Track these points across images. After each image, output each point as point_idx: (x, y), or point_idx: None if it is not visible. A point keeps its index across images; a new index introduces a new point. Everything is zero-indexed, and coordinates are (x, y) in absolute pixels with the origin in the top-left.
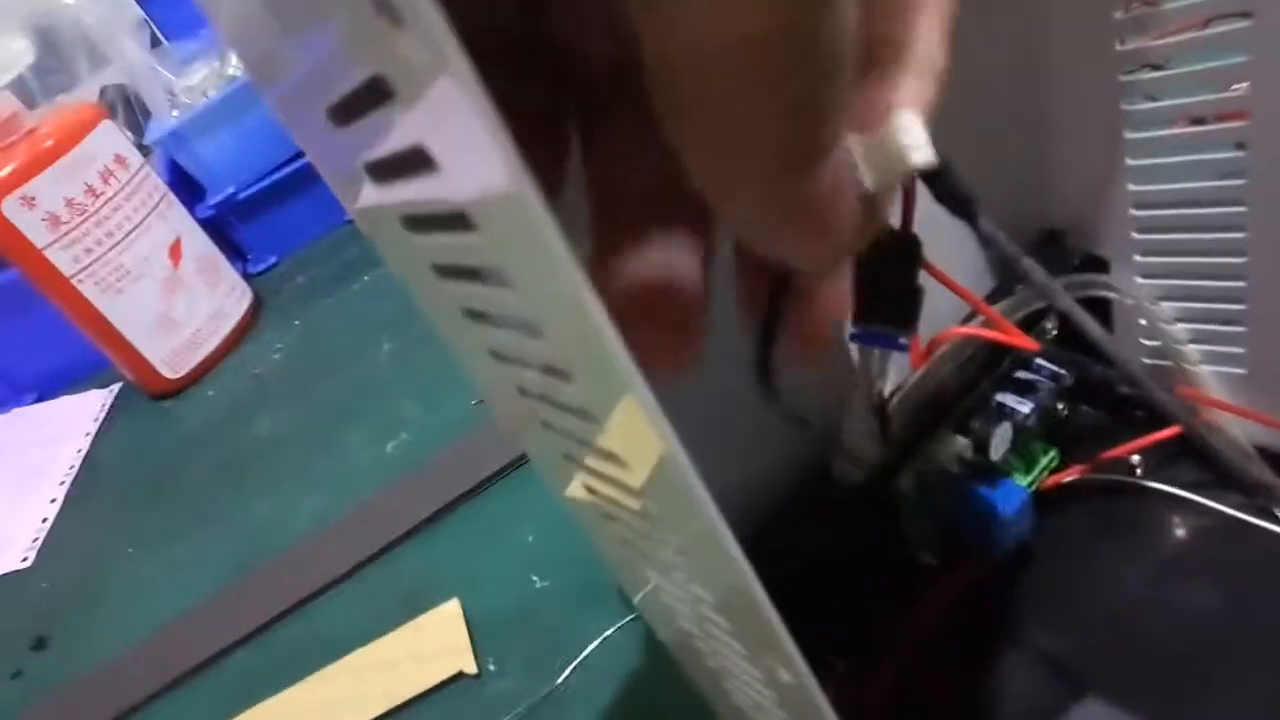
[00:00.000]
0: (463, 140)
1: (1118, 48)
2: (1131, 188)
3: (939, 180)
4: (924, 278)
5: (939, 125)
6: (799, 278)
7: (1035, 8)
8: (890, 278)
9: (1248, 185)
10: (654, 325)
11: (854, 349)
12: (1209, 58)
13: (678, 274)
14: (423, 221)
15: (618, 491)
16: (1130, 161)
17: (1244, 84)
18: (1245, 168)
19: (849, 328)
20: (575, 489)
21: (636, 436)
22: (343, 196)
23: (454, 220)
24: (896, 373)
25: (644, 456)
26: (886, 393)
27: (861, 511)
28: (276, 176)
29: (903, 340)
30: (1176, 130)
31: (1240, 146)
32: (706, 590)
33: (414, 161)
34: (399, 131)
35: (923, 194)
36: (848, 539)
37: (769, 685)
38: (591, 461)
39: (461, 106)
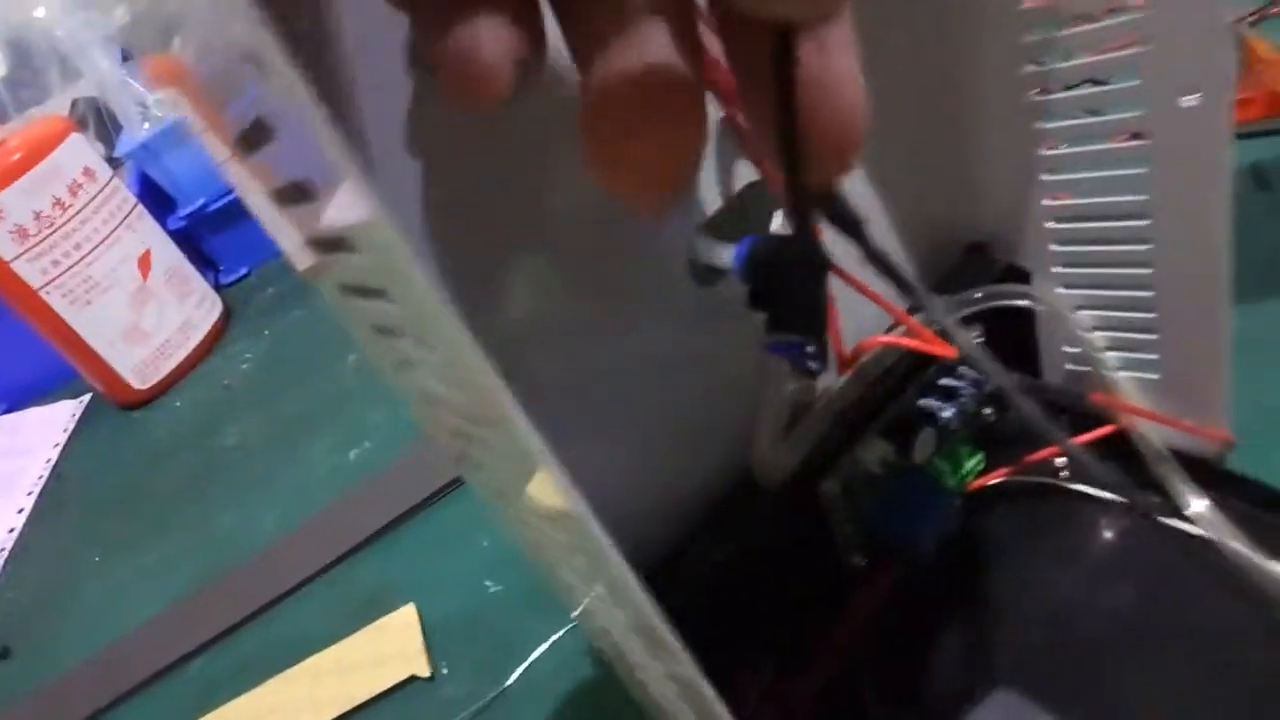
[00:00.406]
0: (328, 174)
1: (1027, 69)
2: (1046, 203)
3: (830, 202)
4: (846, 289)
5: (871, 143)
6: (803, 40)
7: (954, 31)
8: (797, 291)
9: (1151, 201)
10: (654, 121)
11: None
12: (1113, 79)
13: (669, 59)
14: (322, 244)
15: (526, 514)
16: (1045, 177)
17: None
18: (1148, 184)
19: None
20: (493, 500)
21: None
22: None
23: (338, 243)
24: (824, 378)
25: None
26: (815, 397)
27: (788, 515)
28: None
29: (810, 350)
30: (1085, 148)
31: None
32: (604, 588)
33: (299, 193)
34: (283, 166)
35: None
36: (775, 541)
37: (670, 679)
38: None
39: (323, 147)
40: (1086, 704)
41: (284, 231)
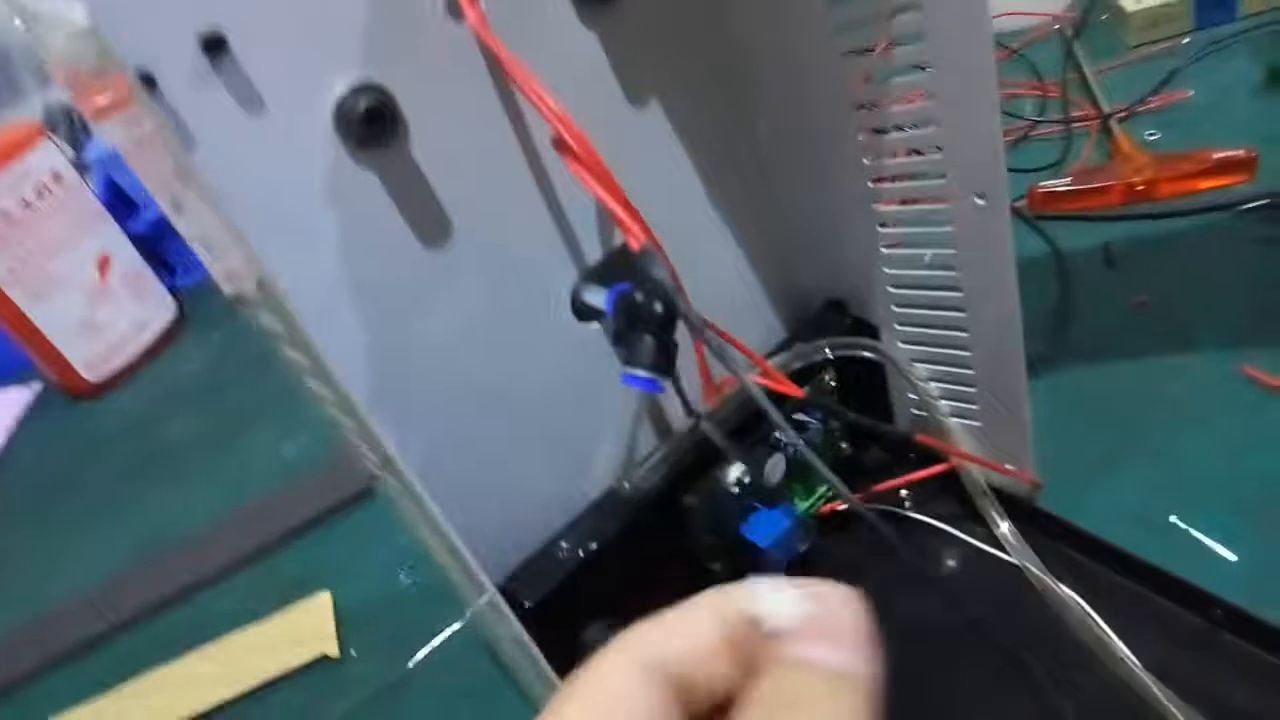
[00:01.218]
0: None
1: (865, 162)
2: (887, 270)
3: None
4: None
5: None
6: None
7: (813, 128)
8: (653, 334)
9: (959, 275)
10: None
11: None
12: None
13: None
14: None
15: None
16: (884, 250)
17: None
18: (957, 261)
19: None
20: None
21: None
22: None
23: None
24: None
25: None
26: (682, 422)
27: (649, 521)
28: None
29: (660, 383)
30: (910, 230)
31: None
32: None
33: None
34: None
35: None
36: (636, 544)
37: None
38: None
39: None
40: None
41: (212, 266)
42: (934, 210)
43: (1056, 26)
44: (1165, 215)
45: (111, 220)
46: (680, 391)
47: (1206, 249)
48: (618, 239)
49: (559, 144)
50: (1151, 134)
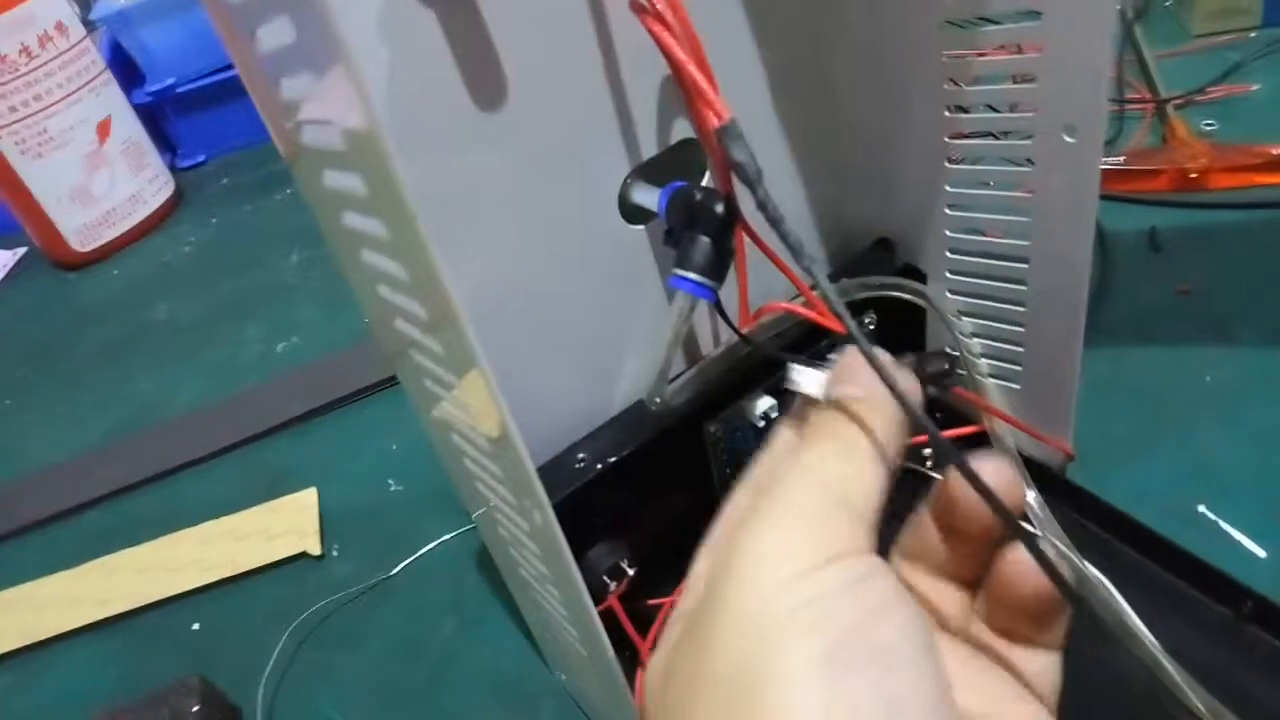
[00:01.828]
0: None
1: (945, 87)
2: (947, 212)
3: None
4: (756, 253)
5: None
6: None
7: (889, 53)
8: (709, 236)
9: (1030, 223)
10: None
11: (679, 296)
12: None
13: None
14: (320, 156)
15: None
16: (949, 189)
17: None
18: (1031, 210)
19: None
20: (429, 410)
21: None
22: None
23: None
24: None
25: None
26: (714, 346)
27: (672, 445)
28: (219, 77)
29: (713, 290)
30: (983, 166)
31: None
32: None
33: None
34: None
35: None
36: (656, 462)
37: (526, 521)
38: (444, 396)
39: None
40: None
41: (275, 108)
42: (1014, 146)
43: (1118, 7)
44: (1215, 206)
45: (115, 84)
46: (722, 313)
47: (1255, 244)
48: (676, 135)
49: (637, 4)
50: (1209, 124)
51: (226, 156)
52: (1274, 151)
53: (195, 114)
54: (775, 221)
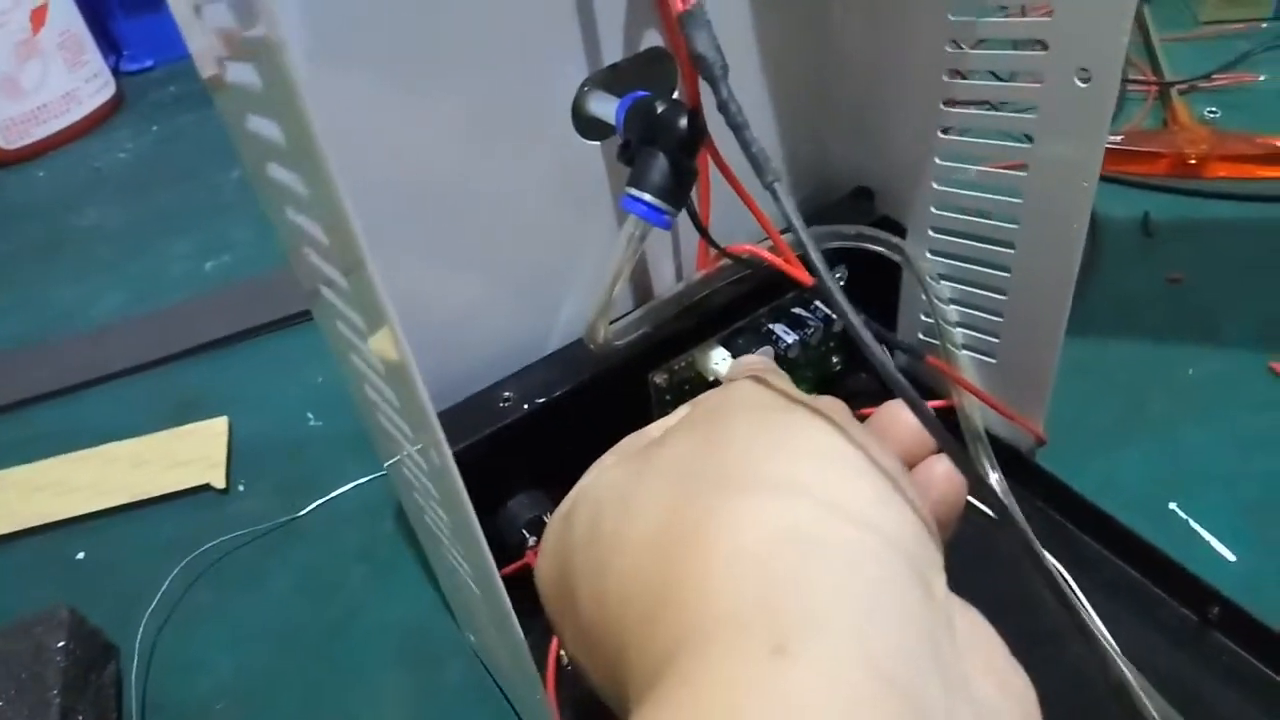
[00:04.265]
0: None
1: (949, 18)
2: (938, 161)
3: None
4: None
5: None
6: None
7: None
8: (669, 154)
9: (1027, 179)
10: None
11: (629, 221)
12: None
13: None
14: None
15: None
16: (941, 134)
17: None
18: (1030, 170)
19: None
20: (338, 341)
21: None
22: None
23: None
24: (683, 270)
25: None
26: (668, 287)
27: (610, 391)
28: None
29: (667, 216)
30: (975, 111)
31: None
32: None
33: None
34: None
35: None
36: (591, 405)
37: (424, 461)
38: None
39: None
40: None
41: (194, 29)
42: (1019, 89)
43: None
44: (1213, 195)
45: None
46: (699, 225)
47: (1251, 237)
48: (645, 43)
49: None
50: (1212, 111)
51: (176, 64)
52: (1277, 143)
53: (145, 14)
54: (737, 128)
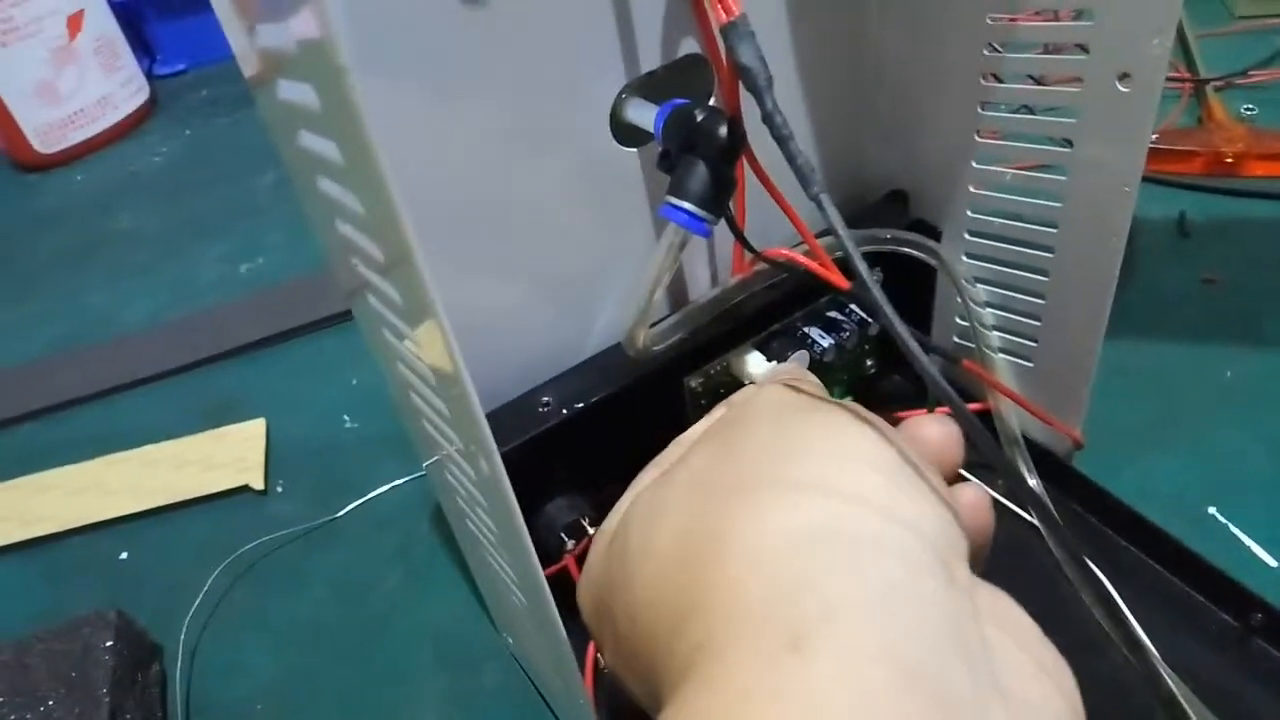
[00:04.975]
0: None
1: (988, 21)
2: (975, 166)
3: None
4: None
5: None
6: None
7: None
8: (708, 162)
9: (1067, 182)
10: None
11: (668, 229)
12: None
13: None
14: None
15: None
16: (979, 138)
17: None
18: (1069, 173)
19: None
20: (375, 332)
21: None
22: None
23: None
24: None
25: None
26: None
27: (647, 395)
28: None
29: (706, 225)
30: (1014, 115)
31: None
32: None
33: None
34: None
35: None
36: (628, 411)
37: (472, 468)
38: (390, 320)
39: None
40: None
41: (237, 26)
42: (1059, 92)
43: None
44: (1250, 194)
45: None
46: (736, 231)
47: None
48: (684, 50)
49: None
50: (1249, 108)
51: (208, 67)
52: None
53: (178, 19)
54: (782, 140)
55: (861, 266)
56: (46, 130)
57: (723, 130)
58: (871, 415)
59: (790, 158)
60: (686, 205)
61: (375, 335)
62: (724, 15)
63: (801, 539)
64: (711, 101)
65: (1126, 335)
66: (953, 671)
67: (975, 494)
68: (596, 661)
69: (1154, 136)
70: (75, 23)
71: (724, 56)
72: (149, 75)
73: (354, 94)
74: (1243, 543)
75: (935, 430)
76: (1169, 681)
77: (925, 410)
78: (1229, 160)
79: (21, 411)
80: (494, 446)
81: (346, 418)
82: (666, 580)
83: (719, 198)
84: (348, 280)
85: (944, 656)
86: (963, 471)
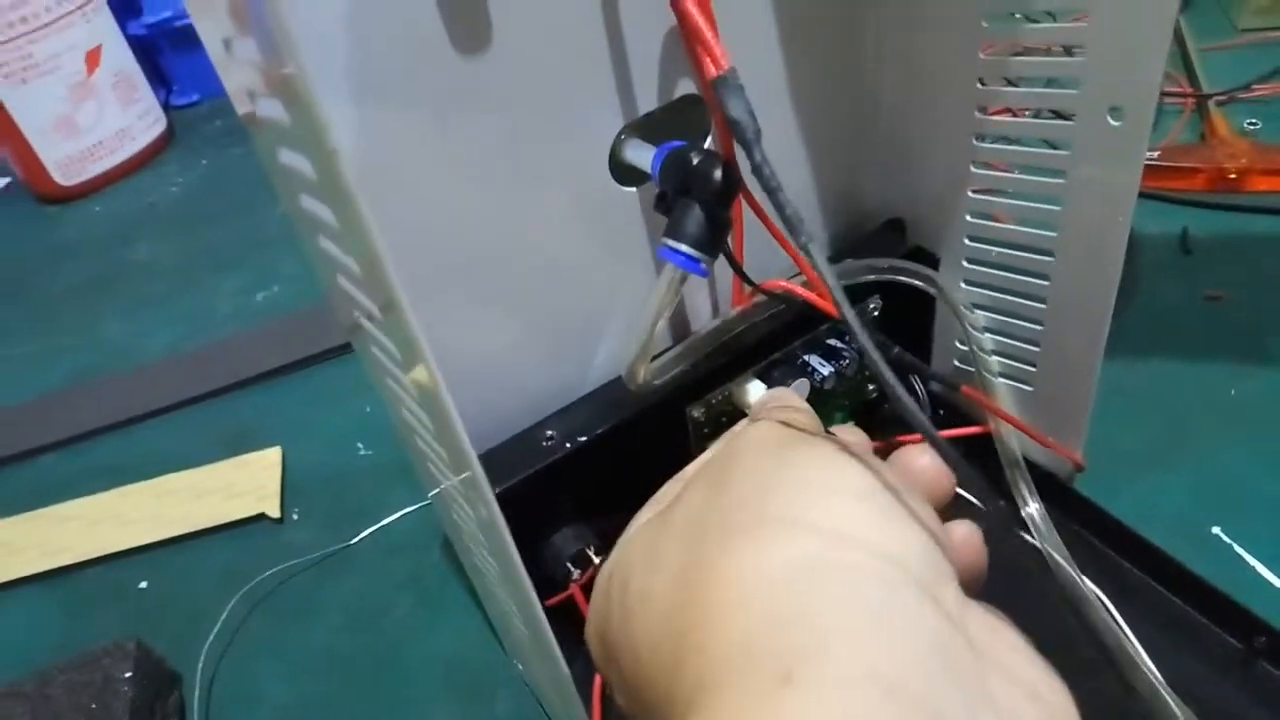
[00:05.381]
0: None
1: (980, 56)
2: (971, 194)
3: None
4: (757, 226)
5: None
6: None
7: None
8: (704, 205)
9: (1061, 212)
10: None
11: (667, 268)
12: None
13: None
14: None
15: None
16: (974, 169)
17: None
18: (1063, 203)
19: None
20: (384, 389)
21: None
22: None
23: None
24: (719, 307)
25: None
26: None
27: (649, 427)
28: None
29: (704, 265)
30: (1007, 148)
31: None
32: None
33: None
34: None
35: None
36: (629, 443)
37: (474, 512)
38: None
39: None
40: None
41: (227, 67)
42: (1051, 126)
43: None
44: (1253, 210)
45: (108, 12)
46: (735, 265)
47: None
48: (680, 90)
49: None
50: (1252, 123)
51: (222, 98)
52: None
53: (192, 51)
54: (771, 191)
55: (847, 311)
56: (66, 163)
57: (717, 174)
58: (859, 445)
59: (779, 208)
60: (683, 247)
61: (376, 375)
62: (713, 70)
63: (790, 574)
64: (708, 141)
65: (1128, 354)
66: (944, 695)
67: (967, 531)
68: (604, 691)
69: (1155, 154)
70: (93, 58)
71: (713, 102)
72: (165, 106)
73: (317, 107)
74: (1247, 563)
75: (926, 460)
76: (1171, 704)
77: (922, 436)
78: (1232, 176)
79: (41, 443)
80: (491, 495)
81: (360, 445)
82: (665, 622)
83: (715, 239)
84: (341, 307)
85: (935, 680)
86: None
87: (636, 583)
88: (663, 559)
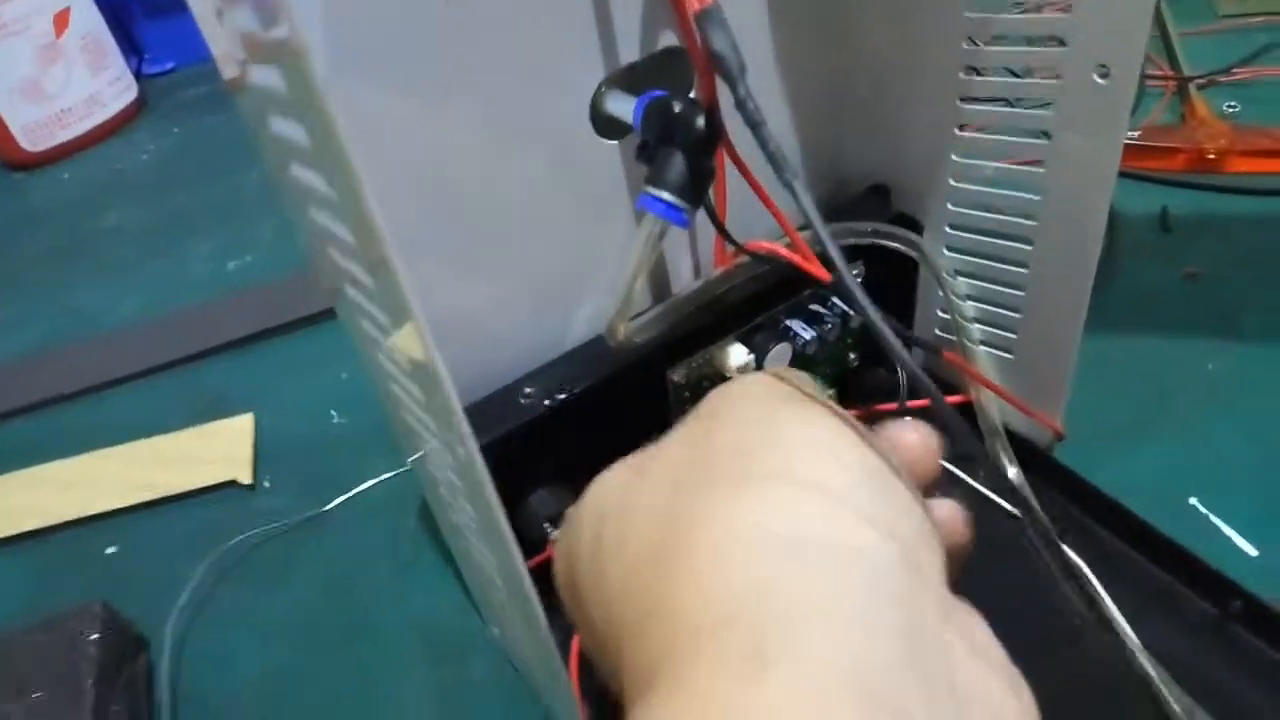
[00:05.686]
0: None
1: (967, 16)
2: (955, 157)
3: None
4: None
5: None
6: None
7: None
8: (686, 152)
9: (1045, 175)
10: None
11: (647, 219)
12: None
13: None
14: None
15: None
16: (958, 132)
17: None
18: (1047, 167)
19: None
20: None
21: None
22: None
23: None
24: (701, 268)
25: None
26: (686, 285)
27: (629, 387)
28: None
29: (685, 214)
30: (993, 109)
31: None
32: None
33: None
34: None
35: None
36: (609, 402)
37: (451, 456)
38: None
39: None
40: None
41: (216, 32)
42: (1037, 85)
43: None
44: (1231, 190)
45: None
46: (717, 223)
47: (1271, 231)
48: (663, 41)
49: None
50: (1231, 106)
51: (198, 65)
52: None
53: (166, 17)
54: (755, 125)
55: (835, 253)
56: (33, 129)
57: (700, 120)
58: (849, 417)
59: (762, 143)
60: (664, 195)
61: (354, 325)
62: (697, 3)
63: (769, 541)
64: (691, 94)
65: (1109, 329)
66: (914, 702)
67: (950, 510)
68: (582, 651)
69: (1136, 134)
70: (62, 20)
71: (699, 45)
72: (137, 74)
73: (314, 74)
74: (1223, 532)
75: (912, 436)
76: (1148, 668)
77: (897, 405)
78: (1211, 157)
79: (10, 408)
80: (469, 431)
81: (334, 413)
82: (638, 578)
83: (697, 187)
84: (326, 271)
85: (908, 688)
86: (945, 463)
87: (611, 534)
88: (640, 513)
